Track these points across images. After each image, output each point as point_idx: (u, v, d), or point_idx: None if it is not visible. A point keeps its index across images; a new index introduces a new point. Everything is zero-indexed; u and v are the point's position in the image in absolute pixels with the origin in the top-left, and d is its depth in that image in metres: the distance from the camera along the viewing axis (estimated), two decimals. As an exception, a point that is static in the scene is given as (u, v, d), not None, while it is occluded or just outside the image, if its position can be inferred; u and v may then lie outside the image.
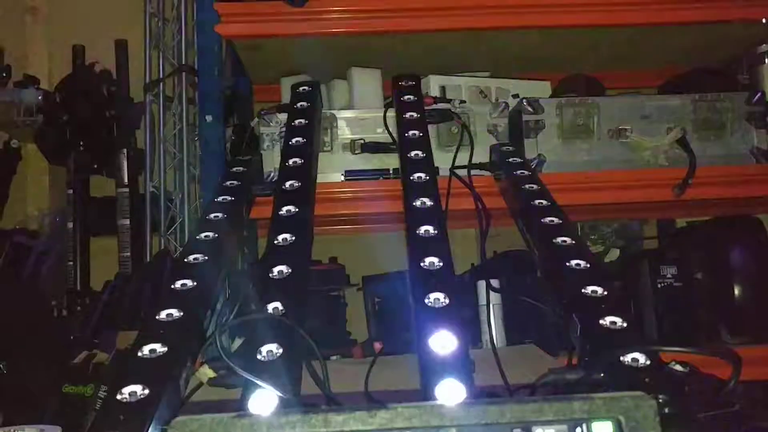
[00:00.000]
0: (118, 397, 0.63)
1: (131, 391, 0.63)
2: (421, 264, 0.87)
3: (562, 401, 0.39)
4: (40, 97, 1.90)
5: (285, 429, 0.37)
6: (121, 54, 1.98)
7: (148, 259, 1.80)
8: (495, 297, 1.52)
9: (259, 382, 0.63)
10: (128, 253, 1.81)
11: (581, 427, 0.39)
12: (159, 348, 0.70)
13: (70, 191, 1.90)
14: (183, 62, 1.90)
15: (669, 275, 1.51)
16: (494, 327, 1.48)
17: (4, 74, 1.93)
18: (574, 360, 0.84)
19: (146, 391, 0.63)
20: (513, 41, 1.69)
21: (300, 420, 0.38)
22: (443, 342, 0.72)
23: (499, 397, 0.71)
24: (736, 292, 1.56)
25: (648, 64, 1.89)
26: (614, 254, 1.71)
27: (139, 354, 0.70)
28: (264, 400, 0.61)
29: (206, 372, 0.77)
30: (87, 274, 1.88)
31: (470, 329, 1.48)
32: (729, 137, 1.50)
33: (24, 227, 1.90)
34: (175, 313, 0.77)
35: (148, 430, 0.58)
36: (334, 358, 1.48)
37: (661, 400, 0.58)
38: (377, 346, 1.37)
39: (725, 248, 1.59)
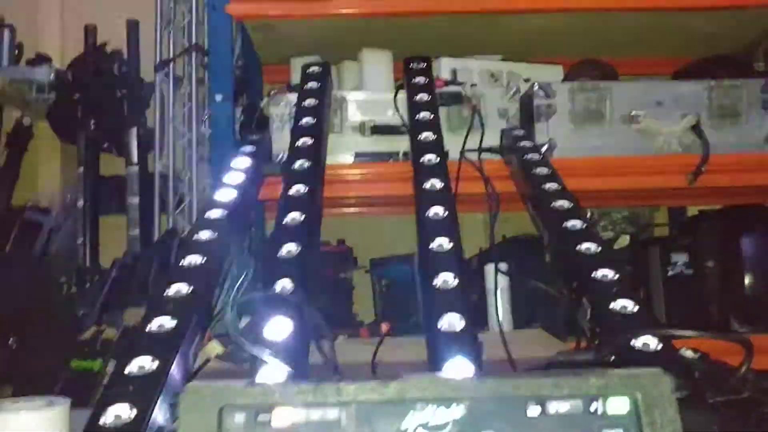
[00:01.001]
0: (127, 369, 0.63)
1: (140, 364, 0.63)
2: (431, 245, 0.86)
3: (577, 377, 0.39)
4: (52, 76, 1.89)
5: (298, 398, 0.37)
6: (132, 33, 1.97)
7: (156, 238, 1.80)
8: (503, 281, 1.52)
9: (267, 358, 0.63)
10: (137, 232, 1.82)
11: (597, 402, 0.39)
12: (168, 322, 0.70)
13: (81, 169, 1.90)
14: (194, 42, 1.89)
15: (680, 263, 1.51)
16: (501, 311, 1.48)
17: (17, 52, 1.93)
18: (582, 344, 0.83)
19: (155, 364, 0.63)
20: (525, 25, 1.67)
21: (313, 389, 0.38)
22: (452, 322, 0.72)
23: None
24: (747, 281, 1.55)
25: (662, 50, 1.87)
26: (624, 241, 1.70)
27: (148, 328, 0.70)
28: (273, 374, 0.61)
29: (214, 347, 0.77)
30: (96, 252, 1.89)
31: (477, 313, 1.48)
32: (743, 124, 1.49)
33: (35, 204, 1.90)
34: (183, 288, 0.77)
35: (157, 401, 0.58)
36: (341, 338, 1.48)
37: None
38: (384, 327, 1.37)
39: (737, 237, 1.58)
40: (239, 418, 0.37)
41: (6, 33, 1.90)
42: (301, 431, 0.37)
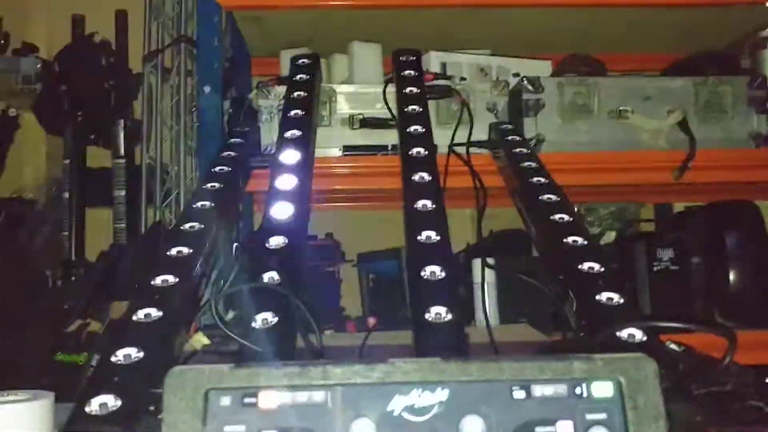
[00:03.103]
0: (112, 359, 0.63)
1: (125, 354, 0.63)
2: (418, 237, 0.86)
3: (562, 361, 0.39)
4: (38, 66, 1.88)
5: (283, 380, 0.37)
6: (120, 24, 1.96)
7: (143, 231, 1.79)
8: (489, 276, 1.52)
9: (254, 348, 0.63)
10: (123, 225, 1.81)
11: (581, 386, 0.39)
12: (154, 312, 0.70)
13: (67, 161, 1.89)
14: (182, 33, 1.88)
15: (665, 258, 1.52)
16: (488, 306, 1.49)
17: (3, 42, 1.91)
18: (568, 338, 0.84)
19: (141, 354, 0.62)
20: (514, 19, 1.68)
21: (299, 372, 0.38)
22: (438, 314, 0.72)
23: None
24: (732, 277, 1.56)
25: (651, 46, 1.88)
26: (610, 237, 1.71)
27: (134, 318, 0.69)
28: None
29: (200, 339, 0.77)
30: (82, 245, 1.88)
31: (465, 307, 1.49)
32: (729, 121, 1.50)
33: (20, 196, 1.89)
34: (170, 279, 0.77)
35: (142, 391, 0.57)
36: (328, 332, 1.48)
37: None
38: (371, 321, 1.38)
39: (722, 233, 1.59)
40: (225, 400, 0.37)
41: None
42: (288, 413, 0.37)
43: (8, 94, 1.90)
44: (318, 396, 0.38)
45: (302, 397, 0.38)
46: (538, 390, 0.39)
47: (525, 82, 1.48)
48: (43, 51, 1.97)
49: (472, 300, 1.53)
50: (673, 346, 0.72)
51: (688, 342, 0.72)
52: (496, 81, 1.52)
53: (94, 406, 0.56)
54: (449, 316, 0.71)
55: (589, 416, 0.39)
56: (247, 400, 0.38)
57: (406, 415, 0.38)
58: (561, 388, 0.39)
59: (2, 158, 1.93)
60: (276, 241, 0.87)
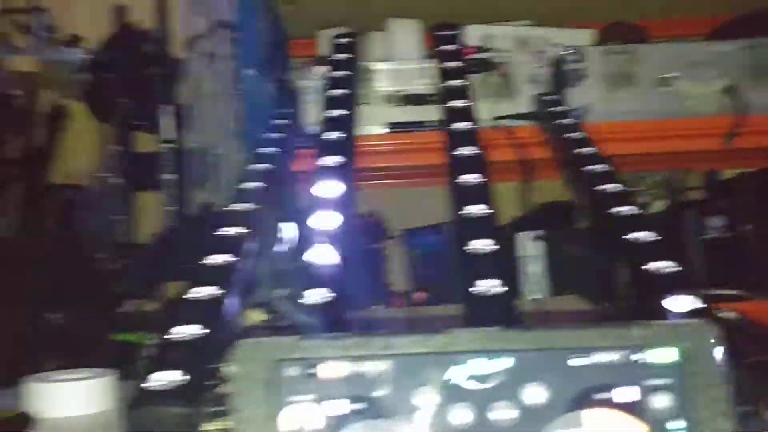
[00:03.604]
0: (174, 337, 0.65)
1: (187, 331, 0.65)
2: (464, 211, 0.87)
3: (620, 327, 0.40)
4: (86, 57, 1.92)
5: (347, 351, 0.39)
6: (161, 12, 1.99)
7: (191, 213, 1.83)
8: (536, 249, 1.52)
9: (312, 322, 0.65)
10: (172, 208, 1.84)
11: (641, 352, 0.40)
12: (213, 290, 0.72)
13: (117, 147, 1.93)
14: (223, 18, 1.90)
15: (716, 226, 1.49)
16: (536, 278, 1.49)
17: (51, 34, 1.95)
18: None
19: (202, 330, 0.64)
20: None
21: (361, 342, 0.39)
22: (488, 287, 0.72)
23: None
24: (784, 243, 1.53)
25: (694, 10, 1.83)
26: (659, 206, 1.69)
27: (193, 296, 0.71)
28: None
29: (257, 315, 0.79)
30: (133, 228, 1.92)
31: (513, 280, 1.49)
32: (780, 84, 1.46)
33: (73, 183, 1.94)
34: (226, 258, 0.79)
35: (207, 366, 0.59)
36: (375, 308, 1.50)
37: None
38: (418, 295, 1.39)
39: (775, 198, 1.55)
40: (293, 371, 0.39)
41: (40, 16, 1.93)
42: (352, 383, 0.39)
43: (59, 85, 1.95)
44: (380, 366, 0.39)
45: (366, 367, 0.39)
46: (599, 357, 0.39)
47: (567, 51, 1.46)
48: (89, 42, 2.01)
49: (519, 273, 1.53)
50: (728, 314, 0.72)
51: (743, 311, 0.72)
52: (538, 52, 1.51)
53: (159, 381, 0.58)
54: (500, 289, 0.71)
55: (651, 382, 0.39)
56: (312, 371, 0.39)
57: (467, 384, 0.39)
58: (620, 355, 0.39)
59: (55, 147, 1.98)
60: (325, 220, 0.88)
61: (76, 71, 1.90)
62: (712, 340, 0.39)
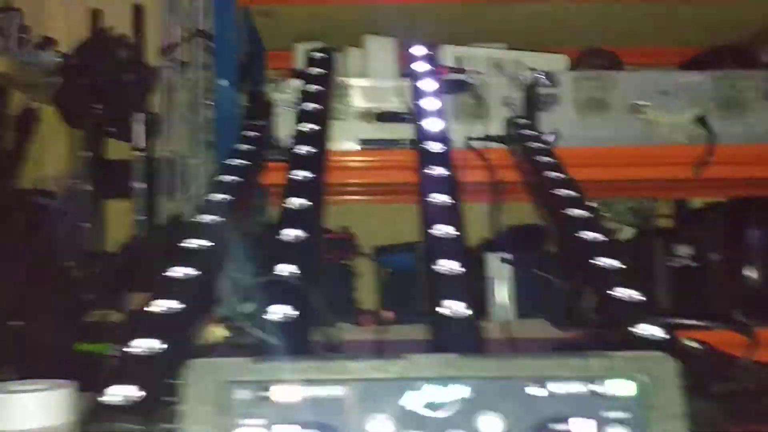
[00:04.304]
0: (134, 350, 0.63)
1: (146, 346, 0.63)
2: (434, 231, 0.86)
3: (581, 358, 0.39)
4: (58, 60, 1.89)
5: (301, 375, 0.38)
6: (137, 18, 1.97)
7: (161, 223, 1.80)
8: (505, 271, 1.52)
9: (272, 341, 0.64)
10: (142, 217, 1.82)
11: (600, 384, 0.39)
12: (174, 304, 0.70)
13: (87, 153, 1.90)
14: (198, 27, 1.89)
15: (684, 254, 1.51)
16: (504, 300, 1.49)
17: (23, 36, 1.93)
18: (585, 334, 0.84)
19: (161, 345, 0.63)
20: (529, 13, 1.67)
21: (317, 367, 0.38)
22: (454, 309, 0.72)
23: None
24: (752, 273, 1.55)
25: (668, 40, 1.86)
26: (628, 232, 1.70)
27: (154, 310, 0.70)
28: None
29: (219, 331, 0.78)
30: (102, 236, 1.89)
31: (480, 301, 1.49)
32: (749, 116, 1.48)
33: (41, 188, 1.91)
34: (188, 271, 0.77)
35: (164, 381, 0.58)
36: (343, 325, 1.48)
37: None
38: (387, 314, 1.38)
39: (741, 229, 1.57)
40: (244, 393, 0.38)
41: (13, 17, 1.90)
42: (305, 407, 0.38)
43: (30, 88, 1.92)
44: (335, 391, 0.38)
45: (320, 391, 0.38)
46: (556, 387, 0.39)
47: (541, 76, 1.47)
48: (62, 45, 1.99)
49: (487, 295, 1.53)
50: (691, 344, 0.72)
51: (706, 339, 0.72)
52: (512, 75, 1.52)
53: (115, 396, 0.56)
54: (465, 311, 0.71)
55: (608, 414, 0.39)
56: (265, 393, 0.38)
57: (423, 411, 0.39)
58: (579, 386, 0.39)
59: (24, 151, 1.95)
60: (292, 234, 0.87)
61: (47, 74, 1.87)
62: (671, 374, 0.39)
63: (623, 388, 0.39)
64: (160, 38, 1.93)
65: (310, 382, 0.38)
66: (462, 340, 0.66)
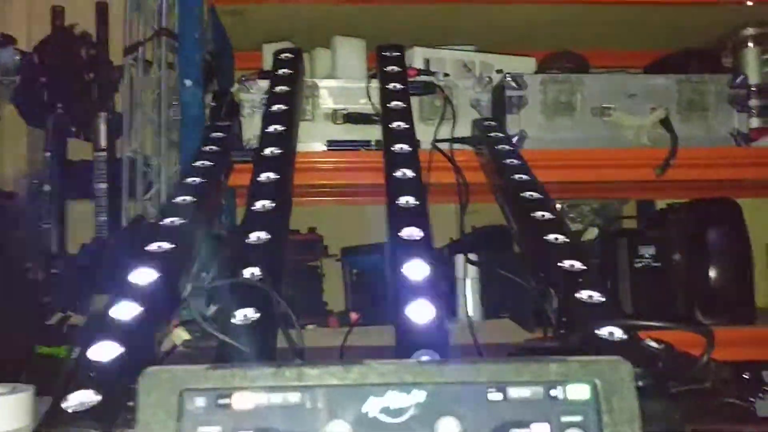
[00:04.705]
0: (92, 354, 0.62)
1: (104, 350, 0.62)
2: (401, 233, 0.86)
3: (538, 363, 0.39)
4: (18, 58, 1.86)
5: (258, 381, 0.37)
6: (101, 16, 1.94)
7: (124, 224, 1.78)
8: (472, 271, 1.52)
9: (235, 345, 0.63)
10: (105, 218, 1.79)
11: (557, 388, 0.39)
12: (134, 307, 0.69)
13: (48, 154, 1.87)
14: (163, 26, 1.87)
15: (647, 255, 1.53)
16: (470, 301, 1.49)
17: (-19, 33, 1.89)
18: (549, 334, 0.84)
19: (120, 349, 0.62)
20: (498, 15, 1.68)
21: (274, 373, 0.37)
22: (420, 311, 0.72)
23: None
24: (713, 274, 1.57)
25: (635, 44, 1.88)
26: (592, 233, 1.72)
27: (114, 313, 0.69)
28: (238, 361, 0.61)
29: (181, 334, 0.76)
30: (63, 238, 1.86)
31: (447, 302, 1.49)
32: (711, 119, 1.51)
33: (1, 189, 1.87)
34: (150, 274, 0.76)
35: (121, 387, 0.57)
36: (310, 327, 1.48)
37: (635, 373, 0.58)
38: (353, 316, 1.37)
39: (703, 230, 1.60)
40: (200, 401, 0.37)
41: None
42: (263, 414, 0.37)
43: (-12, 86, 1.88)
44: (293, 397, 0.38)
45: (277, 398, 0.38)
46: (515, 392, 0.39)
47: (508, 78, 1.48)
48: (21, 43, 1.95)
49: (455, 296, 1.54)
50: (652, 344, 0.73)
51: (667, 339, 0.73)
52: (480, 77, 1.52)
53: (72, 401, 0.55)
54: (430, 313, 0.71)
55: (565, 418, 0.39)
56: (221, 401, 0.38)
57: (381, 417, 0.38)
58: (537, 391, 0.39)
59: (-18, 150, 1.91)
60: (258, 236, 0.86)
61: (7, 72, 1.84)
62: (626, 377, 0.39)
63: (579, 392, 0.39)
64: (123, 36, 1.90)
65: (266, 389, 0.38)
66: (427, 343, 0.66)
